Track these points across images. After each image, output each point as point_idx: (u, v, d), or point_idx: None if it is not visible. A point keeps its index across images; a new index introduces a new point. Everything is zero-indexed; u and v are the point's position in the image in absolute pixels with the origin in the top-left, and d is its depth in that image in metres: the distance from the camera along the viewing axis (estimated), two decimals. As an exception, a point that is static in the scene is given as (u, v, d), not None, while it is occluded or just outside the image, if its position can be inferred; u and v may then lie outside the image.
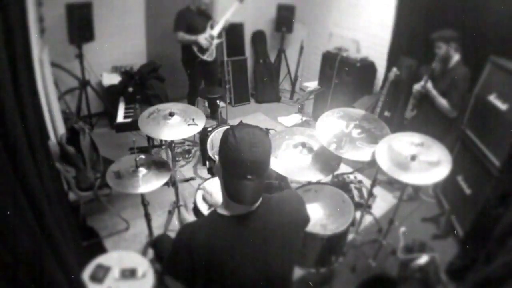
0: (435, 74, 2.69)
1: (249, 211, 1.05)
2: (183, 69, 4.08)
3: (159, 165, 1.95)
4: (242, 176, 0.96)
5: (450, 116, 2.63)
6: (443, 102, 2.60)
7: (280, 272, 1.13)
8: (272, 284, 1.12)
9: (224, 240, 1.03)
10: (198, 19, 3.73)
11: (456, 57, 2.61)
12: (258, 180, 0.99)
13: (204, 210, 1.81)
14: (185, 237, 1.06)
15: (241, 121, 1.74)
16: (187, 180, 3.22)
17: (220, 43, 4.00)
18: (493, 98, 2.42)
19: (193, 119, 2.09)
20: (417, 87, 2.74)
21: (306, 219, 1.20)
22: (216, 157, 1.12)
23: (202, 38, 3.68)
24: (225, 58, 4.67)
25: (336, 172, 2.76)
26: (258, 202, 1.07)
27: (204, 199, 1.76)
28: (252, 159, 0.96)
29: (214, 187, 1.76)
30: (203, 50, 3.75)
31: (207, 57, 3.80)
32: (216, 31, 3.79)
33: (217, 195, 1.56)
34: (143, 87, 3.23)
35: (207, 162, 2.49)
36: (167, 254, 1.09)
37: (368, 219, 2.74)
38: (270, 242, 1.08)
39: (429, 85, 2.65)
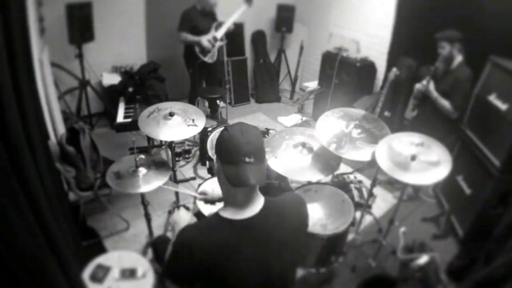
0: (437, 74, 2.69)
1: (251, 216, 1.05)
2: (183, 69, 4.08)
3: (159, 165, 1.95)
4: (240, 159, 1.00)
5: (451, 117, 2.63)
6: (444, 103, 2.60)
7: (282, 275, 1.13)
8: (273, 287, 1.12)
9: (226, 243, 1.03)
10: (203, 19, 3.71)
11: (459, 58, 2.60)
12: (257, 162, 1.01)
13: (204, 210, 1.80)
14: (186, 239, 1.06)
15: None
16: (187, 180, 3.22)
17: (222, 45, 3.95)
18: (493, 98, 2.42)
19: (193, 120, 2.08)
20: (418, 86, 2.74)
21: (307, 222, 1.20)
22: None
23: (204, 40, 3.66)
24: (225, 58, 4.66)
25: (336, 172, 2.76)
26: (261, 206, 1.07)
27: (206, 201, 1.76)
28: (246, 141, 1.01)
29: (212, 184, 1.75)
30: (205, 51, 3.74)
31: (208, 59, 3.79)
32: (220, 33, 3.77)
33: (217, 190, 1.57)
34: (143, 87, 3.23)
35: (207, 162, 2.49)
36: (167, 256, 1.09)
37: (368, 219, 2.74)
38: (271, 245, 1.07)
39: (431, 86, 2.65)
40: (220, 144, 1.05)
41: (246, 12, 3.91)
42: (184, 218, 1.44)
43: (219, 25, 3.80)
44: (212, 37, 3.72)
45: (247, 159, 0.99)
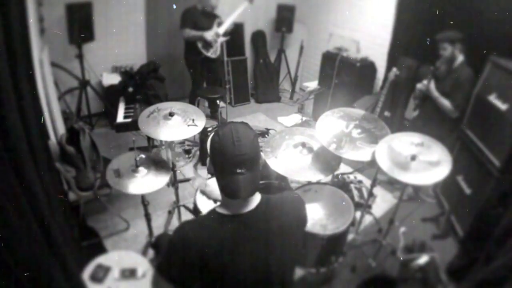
0: (438, 74, 2.69)
1: (248, 210, 1.05)
2: (183, 69, 4.08)
3: (159, 165, 1.95)
4: (231, 171, 0.99)
5: (452, 116, 2.64)
6: (445, 102, 2.60)
7: (279, 272, 1.13)
8: (271, 284, 1.12)
9: (223, 238, 1.03)
10: (204, 18, 3.75)
11: (460, 58, 2.61)
12: (249, 173, 1.00)
13: (204, 210, 1.81)
14: (183, 234, 1.06)
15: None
16: (187, 180, 3.22)
17: (224, 42, 4.03)
18: (493, 98, 2.41)
19: (193, 120, 2.08)
20: (419, 86, 2.74)
21: (305, 220, 1.20)
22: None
23: (208, 34, 3.71)
24: (225, 58, 4.67)
25: (336, 172, 2.76)
26: (257, 202, 1.08)
27: (203, 192, 1.77)
28: (237, 153, 0.98)
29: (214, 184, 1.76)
30: (207, 46, 3.77)
31: (211, 54, 3.82)
32: (222, 29, 3.83)
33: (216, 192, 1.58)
34: (143, 87, 3.23)
35: (207, 162, 2.49)
36: (163, 252, 1.08)
37: (368, 219, 2.74)
38: (268, 242, 1.07)
39: (432, 86, 2.65)
40: (212, 150, 1.05)
41: (247, 11, 3.94)
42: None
43: (221, 22, 3.85)
44: (215, 32, 3.77)
45: (238, 170, 0.99)
